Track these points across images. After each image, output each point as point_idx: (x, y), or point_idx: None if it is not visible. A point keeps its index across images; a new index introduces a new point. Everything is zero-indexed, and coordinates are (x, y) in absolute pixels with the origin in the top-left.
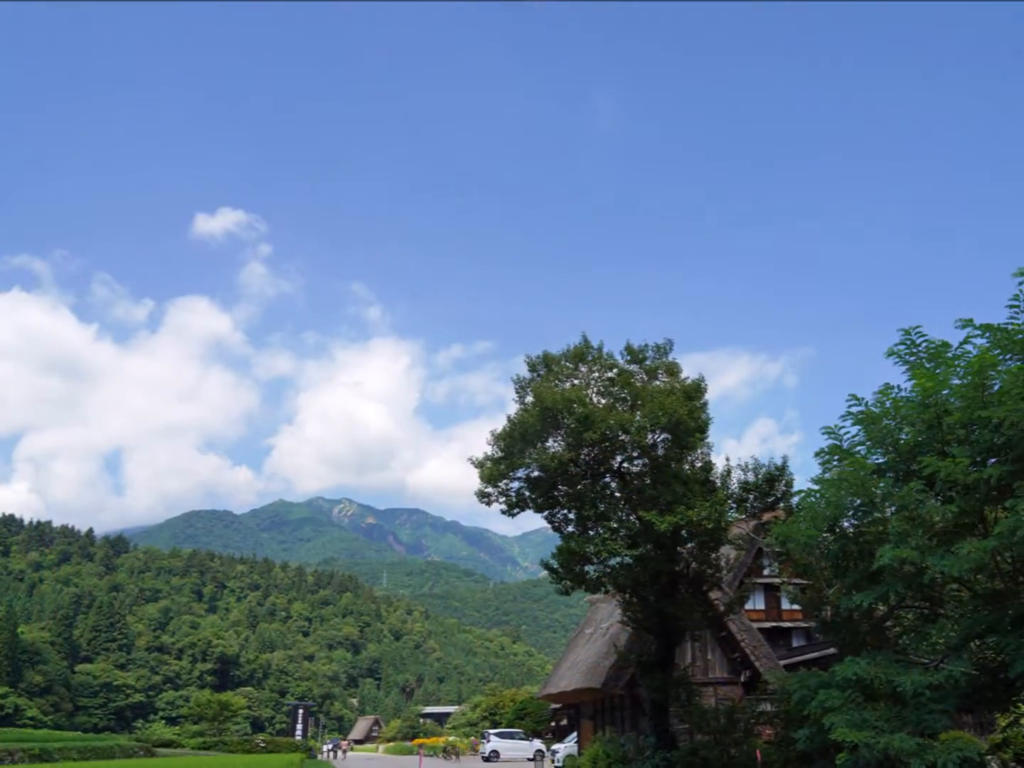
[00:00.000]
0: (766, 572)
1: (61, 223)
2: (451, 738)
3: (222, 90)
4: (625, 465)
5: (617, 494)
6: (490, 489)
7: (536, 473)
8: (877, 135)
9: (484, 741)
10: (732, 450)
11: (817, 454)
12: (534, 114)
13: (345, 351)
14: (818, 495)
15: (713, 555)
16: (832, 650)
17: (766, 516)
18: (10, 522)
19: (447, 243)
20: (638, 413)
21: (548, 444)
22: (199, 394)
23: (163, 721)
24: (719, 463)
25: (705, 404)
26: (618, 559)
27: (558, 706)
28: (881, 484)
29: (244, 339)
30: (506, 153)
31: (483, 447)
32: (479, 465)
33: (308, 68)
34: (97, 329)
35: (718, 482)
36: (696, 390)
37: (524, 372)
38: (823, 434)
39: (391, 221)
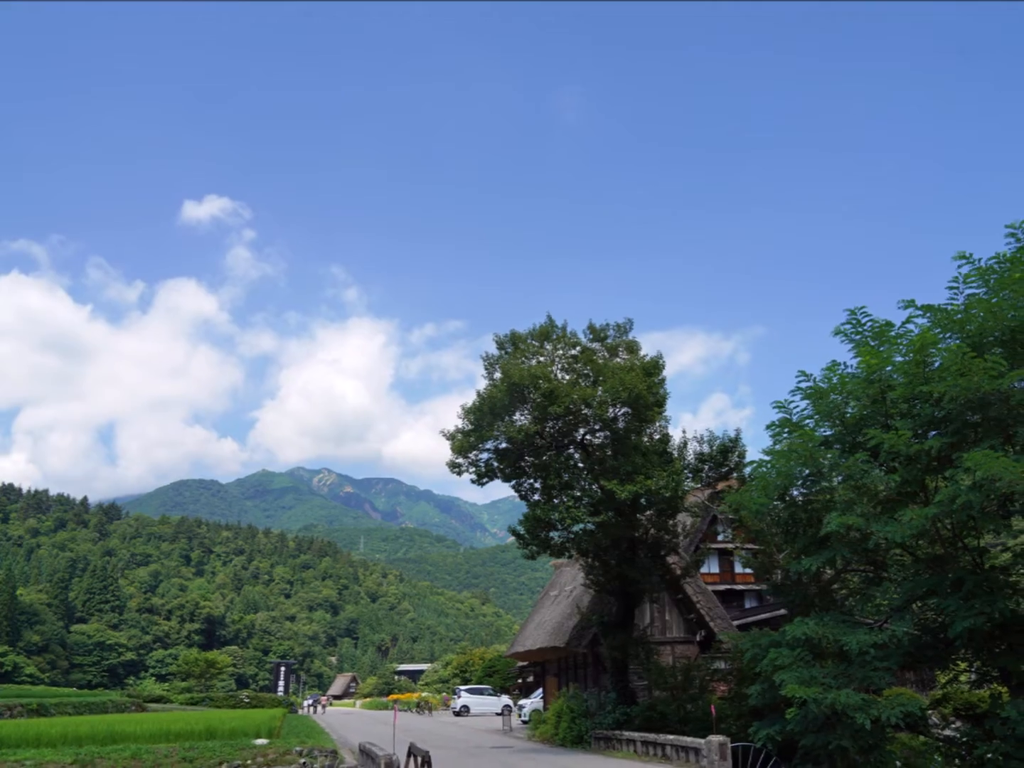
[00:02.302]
0: (720, 538)
1: (58, 210)
2: (424, 694)
3: (210, 84)
4: (588, 437)
5: (580, 464)
6: (461, 460)
7: (504, 445)
8: (827, 127)
9: (455, 697)
10: (688, 423)
11: (768, 427)
12: (505, 108)
13: (324, 330)
14: (769, 465)
15: (670, 522)
16: (782, 611)
17: (720, 485)
18: (9, 491)
19: (422, 229)
20: (600, 388)
21: (515, 418)
22: (187, 371)
23: (153, 678)
24: (676, 435)
25: (663, 380)
26: (581, 526)
27: (525, 664)
28: (828, 455)
29: (229, 319)
30: (479, 145)
31: (454, 420)
32: (450, 437)
33: (292, 64)
34: (91, 309)
35: (675, 453)
36: (654, 367)
37: (493, 350)
38: (774, 408)
39: (369, 208)
